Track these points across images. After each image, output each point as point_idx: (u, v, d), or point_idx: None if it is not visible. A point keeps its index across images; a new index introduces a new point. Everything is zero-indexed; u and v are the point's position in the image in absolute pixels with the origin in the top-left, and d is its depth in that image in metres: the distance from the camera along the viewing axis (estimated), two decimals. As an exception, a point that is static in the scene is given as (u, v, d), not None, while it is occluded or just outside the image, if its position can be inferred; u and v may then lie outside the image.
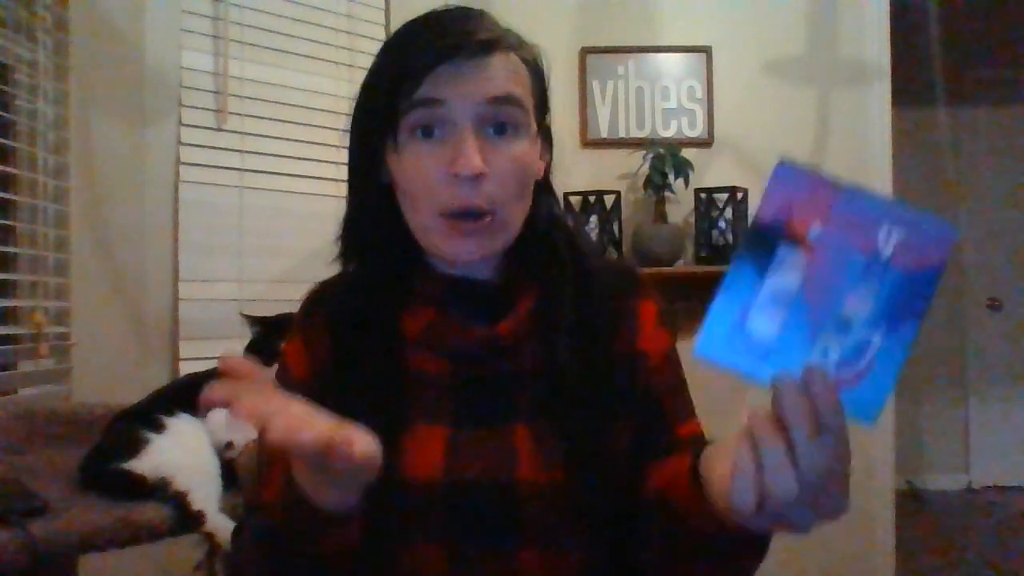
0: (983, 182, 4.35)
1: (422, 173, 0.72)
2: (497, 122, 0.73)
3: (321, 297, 0.83)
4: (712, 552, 0.62)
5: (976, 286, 4.35)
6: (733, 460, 0.47)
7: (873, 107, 2.57)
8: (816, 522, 0.47)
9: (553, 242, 0.80)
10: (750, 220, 0.47)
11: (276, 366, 0.84)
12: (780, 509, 0.46)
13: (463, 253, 0.74)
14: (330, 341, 0.78)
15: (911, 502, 3.98)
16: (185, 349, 1.86)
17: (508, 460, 0.72)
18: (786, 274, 0.47)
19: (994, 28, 3.90)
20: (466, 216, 0.72)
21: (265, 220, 2.02)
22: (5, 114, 1.66)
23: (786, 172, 0.48)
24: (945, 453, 4.35)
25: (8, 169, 1.65)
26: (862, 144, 2.57)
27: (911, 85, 3.34)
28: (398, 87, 0.72)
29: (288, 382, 0.79)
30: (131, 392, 1.47)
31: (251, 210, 1.99)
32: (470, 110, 0.71)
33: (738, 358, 0.47)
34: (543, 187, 0.82)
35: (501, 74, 0.73)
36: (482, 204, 0.72)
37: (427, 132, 0.72)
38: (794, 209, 0.48)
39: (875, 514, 2.52)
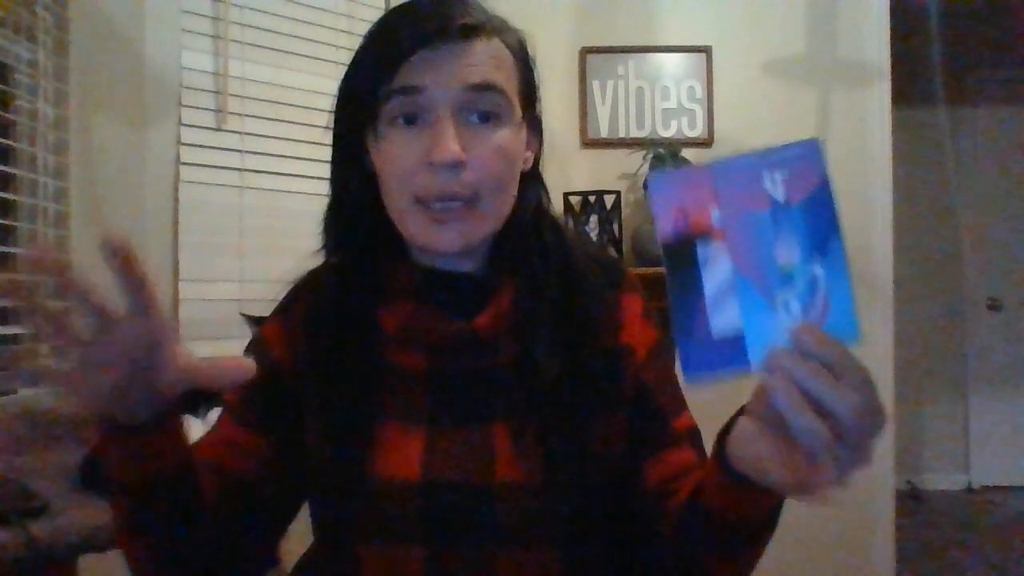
0: (983, 182, 4.35)
1: (400, 160, 0.71)
2: (479, 110, 0.71)
3: (303, 288, 0.83)
4: (736, 537, 0.62)
5: (976, 286, 4.35)
6: (775, 445, 0.50)
7: (873, 107, 2.57)
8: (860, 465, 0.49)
9: (539, 234, 0.78)
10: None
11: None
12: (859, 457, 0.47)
13: (442, 243, 0.71)
14: (305, 338, 0.77)
15: (911, 502, 3.98)
16: (185, 349, 1.86)
17: (486, 461, 0.70)
18: (716, 267, 0.50)
19: (994, 28, 3.90)
20: (443, 200, 0.70)
21: (265, 220, 2.01)
22: (5, 114, 1.66)
23: (660, 181, 0.51)
24: (945, 453, 4.35)
25: (8, 169, 1.65)
26: (862, 144, 2.57)
27: (911, 85, 3.35)
28: (378, 74, 0.70)
29: (266, 358, 0.78)
30: (131, 392, 1.46)
31: (251, 210, 1.99)
32: (449, 97, 0.69)
33: (724, 363, 0.49)
34: (531, 178, 0.79)
35: (482, 60, 0.70)
36: (461, 191, 0.70)
37: (409, 120, 0.71)
38: (687, 209, 0.50)
39: (875, 514, 2.52)
